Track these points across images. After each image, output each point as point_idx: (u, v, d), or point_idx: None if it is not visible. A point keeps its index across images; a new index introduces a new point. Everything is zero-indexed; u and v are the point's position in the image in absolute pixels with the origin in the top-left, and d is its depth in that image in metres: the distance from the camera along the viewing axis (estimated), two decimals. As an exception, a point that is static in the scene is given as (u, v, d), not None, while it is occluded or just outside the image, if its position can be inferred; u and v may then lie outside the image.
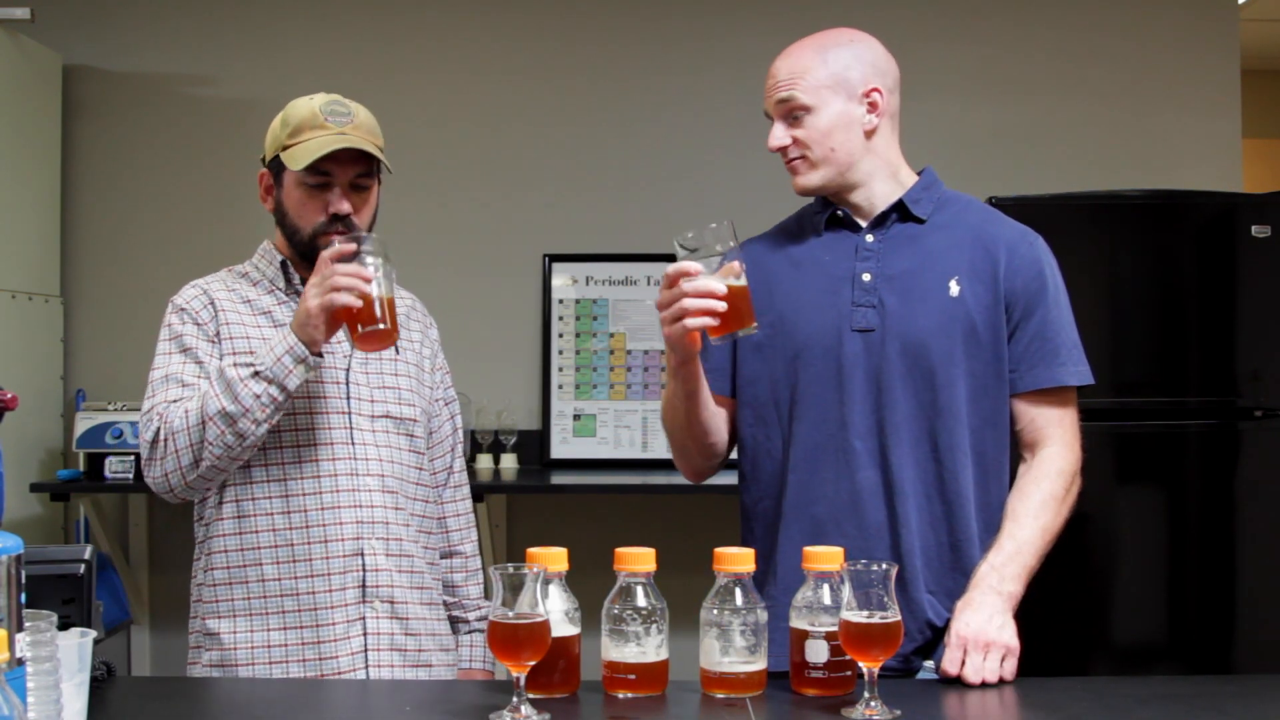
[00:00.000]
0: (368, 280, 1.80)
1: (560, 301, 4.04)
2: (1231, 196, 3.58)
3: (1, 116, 3.56)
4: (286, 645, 1.90)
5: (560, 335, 4.03)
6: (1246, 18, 4.68)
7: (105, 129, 4.01)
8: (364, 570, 1.93)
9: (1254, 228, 3.31)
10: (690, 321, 1.71)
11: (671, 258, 1.77)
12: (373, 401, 2.01)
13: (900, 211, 1.92)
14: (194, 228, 3.98)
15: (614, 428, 4.02)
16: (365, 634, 1.92)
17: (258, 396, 1.82)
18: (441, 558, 2.13)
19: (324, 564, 1.92)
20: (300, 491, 1.92)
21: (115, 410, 3.59)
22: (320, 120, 1.95)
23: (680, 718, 1.56)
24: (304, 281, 2.02)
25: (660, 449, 4.00)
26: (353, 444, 1.97)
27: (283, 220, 2.02)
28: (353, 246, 1.80)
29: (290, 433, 1.94)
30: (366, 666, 1.91)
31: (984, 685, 1.67)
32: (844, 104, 1.89)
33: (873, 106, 1.91)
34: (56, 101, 3.91)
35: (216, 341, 1.97)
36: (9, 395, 1.59)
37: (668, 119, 4.05)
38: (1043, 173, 3.79)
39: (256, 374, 1.82)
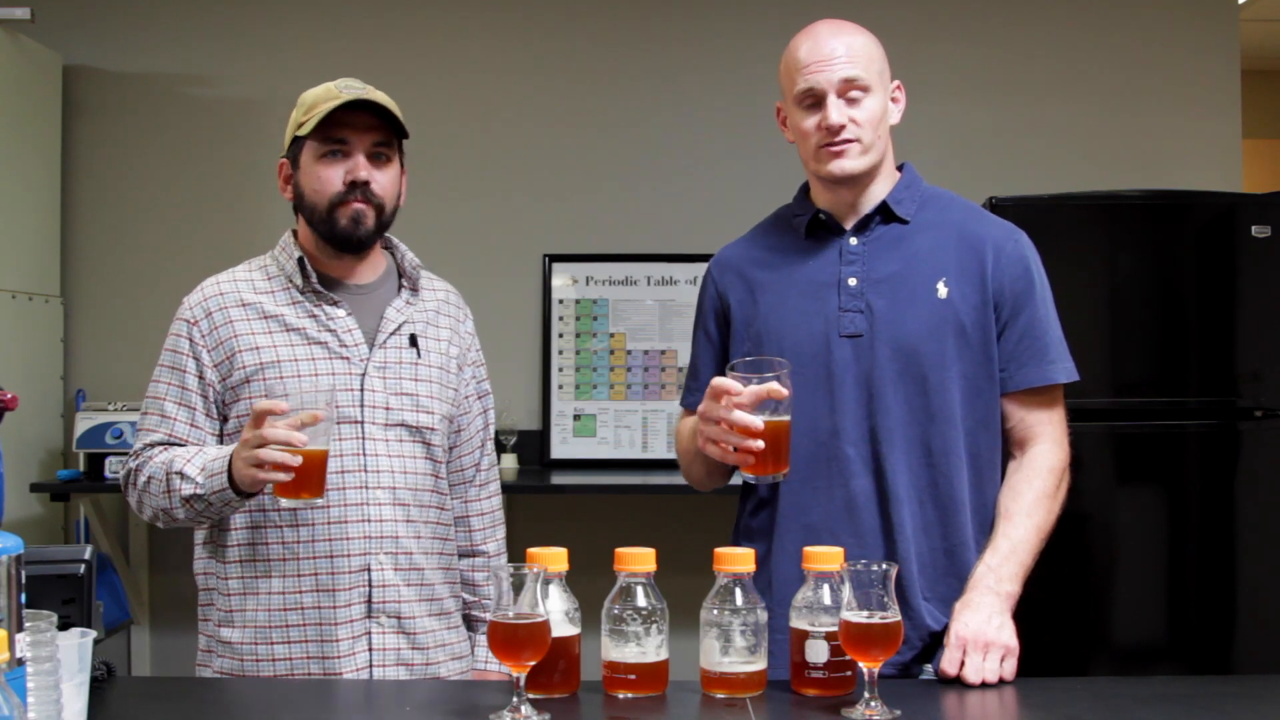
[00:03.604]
0: (296, 451, 1.70)
1: (560, 301, 4.04)
2: (1231, 196, 3.58)
3: (1, 116, 3.56)
4: (291, 659, 1.88)
5: (560, 335, 4.03)
6: (1246, 18, 4.68)
7: (105, 129, 4.01)
8: (370, 586, 1.90)
9: (1254, 228, 3.31)
10: (714, 452, 1.73)
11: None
12: (388, 409, 1.95)
13: (883, 213, 1.91)
14: (194, 228, 3.98)
15: (614, 428, 4.02)
16: (370, 649, 1.90)
17: (188, 512, 1.87)
18: (462, 556, 2.09)
19: (329, 579, 1.89)
20: (309, 505, 1.87)
21: (115, 410, 3.59)
22: (334, 93, 1.93)
23: (680, 718, 1.56)
24: (322, 279, 1.98)
25: (660, 449, 4.00)
26: (363, 455, 1.92)
27: (301, 202, 1.98)
28: (284, 405, 1.72)
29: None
30: (371, 681, 1.88)
31: (984, 685, 1.67)
32: (884, 95, 1.89)
33: (894, 100, 1.91)
34: (56, 101, 3.91)
35: (213, 356, 1.94)
36: (9, 395, 1.59)
37: (668, 119, 4.05)
38: (1043, 173, 3.79)
39: (198, 496, 1.84)
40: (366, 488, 1.91)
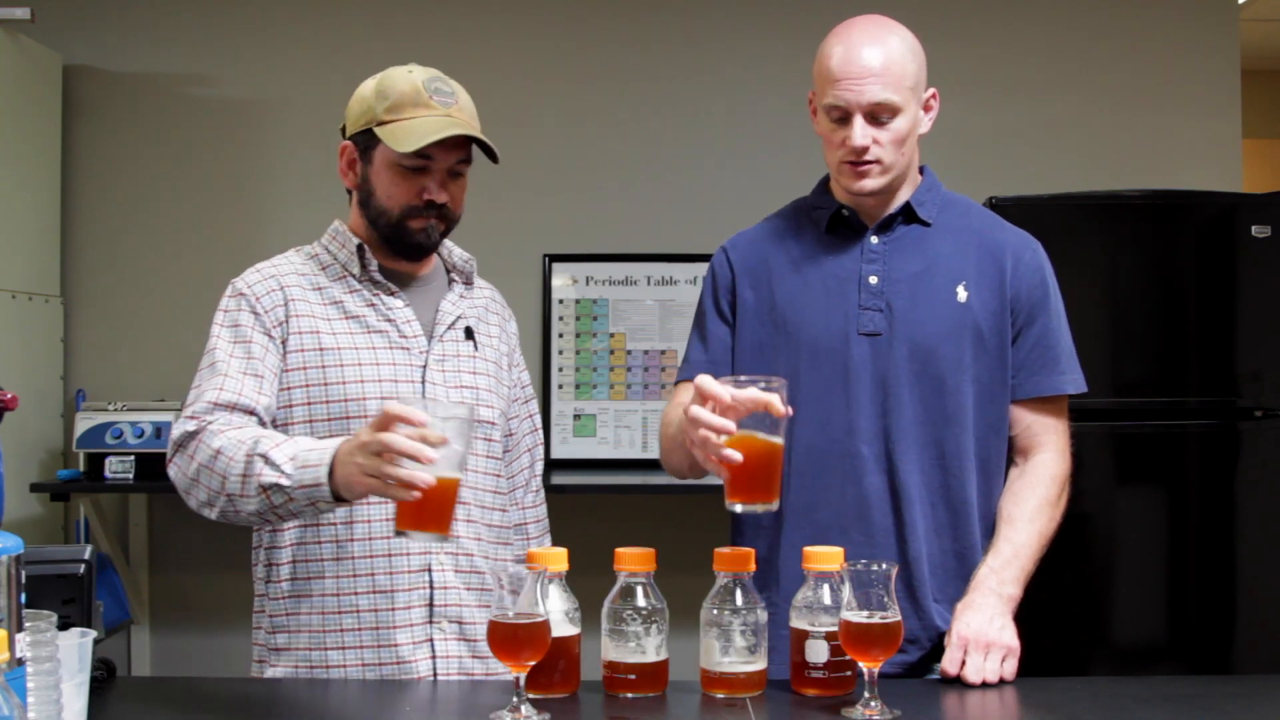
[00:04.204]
0: (430, 475, 1.45)
1: (560, 301, 4.04)
2: (1231, 196, 3.58)
3: (1, 116, 3.56)
4: (346, 666, 1.80)
5: (560, 335, 4.03)
6: (1246, 18, 4.68)
7: (105, 129, 4.01)
8: (431, 588, 1.82)
9: (1254, 228, 3.31)
10: (699, 456, 1.56)
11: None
12: (448, 404, 1.85)
13: (906, 214, 1.90)
14: (194, 228, 3.98)
15: (614, 428, 4.02)
16: (434, 657, 1.82)
17: (261, 504, 1.64)
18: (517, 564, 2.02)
19: (388, 580, 1.81)
20: (365, 501, 1.73)
21: (115, 410, 3.59)
22: (424, 98, 1.83)
23: (680, 718, 1.56)
24: (381, 270, 1.89)
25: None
26: None
27: (368, 200, 1.87)
28: (422, 416, 1.45)
29: None
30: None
31: (984, 685, 1.67)
32: (916, 108, 1.85)
33: (927, 109, 1.89)
34: (56, 101, 3.91)
35: (277, 334, 1.82)
36: (9, 395, 1.59)
37: (668, 119, 4.05)
38: (1043, 173, 3.79)
39: (280, 488, 1.61)
40: None
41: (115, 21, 4.03)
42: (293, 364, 1.83)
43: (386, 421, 1.46)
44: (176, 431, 1.74)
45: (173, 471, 1.73)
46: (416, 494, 1.43)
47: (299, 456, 1.60)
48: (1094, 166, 3.92)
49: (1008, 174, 3.75)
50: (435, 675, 1.82)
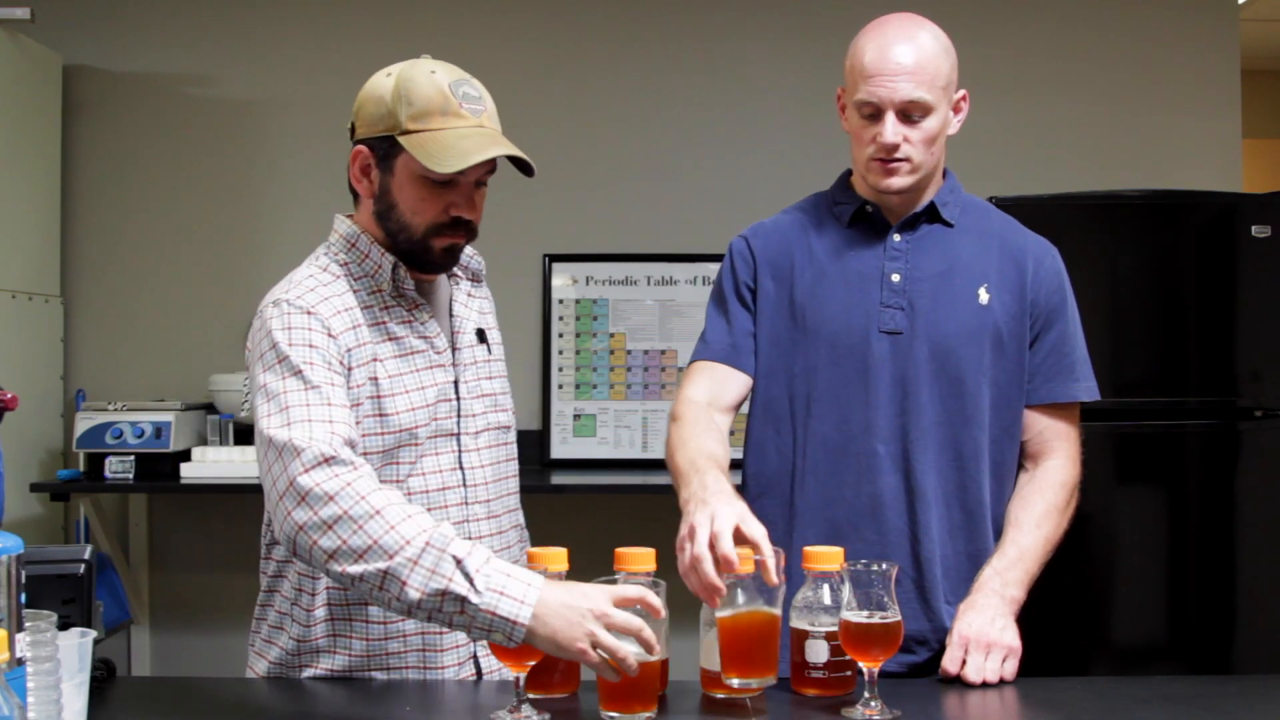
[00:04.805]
0: (652, 658, 1.49)
1: (560, 301, 4.04)
2: (1231, 196, 3.58)
3: (1, 116, 3.56)
4: (389, 686, 1.75)
5: (560, 335, 4.03)
6: (1246, 18, 4.68)
7: (105, 129, 4.01)
8: None
9: (1254, 228, 3.31)
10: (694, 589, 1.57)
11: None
12: (474, 416, 1.82)
13: (929, 213, 1.90)
14: (194, 228, 3.98)
15: (614, 428, 4.02)
16: (479, 674, 1.80)
17: (425, 603, 1.51)
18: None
19: None
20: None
21: (115, 410, 3.59)
22: (453, 105, 1.69)
23: (680, 718, 1.56)
24: (417, 288, 1.80)
25: (660, 449, 3.99)
26: (461, 469, 1.79)
27: (388, 212, 1.75)
28: (664, 612, 1.51)
29: (407, 464, 1.75)
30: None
31: (984, 685, 1.67)
32: (946, 107, 1.84)
33: (956, 110, 1.88)
34: (56, 101, 3.91)
35: (346, 361, 1.70)
36: (9, 395, 1.59)
37: (668, 119, 4.05)
38: (1043, 173, 3.79)
39: (464, 601, 1.49)
40: (466, 503, 1.79)
41: (115, 21, 4.03)
42: (352, 398, 1.71)
43: (630, 601, 1.49)
44: (306, 448, 1.56)
45: (306, 482, 1.54)
46: (617, 678, 1.47)
47: (491, 576, 1.49)
48: (1094, 166, 3.92)
49: (1008, 174, 3.75)
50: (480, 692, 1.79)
